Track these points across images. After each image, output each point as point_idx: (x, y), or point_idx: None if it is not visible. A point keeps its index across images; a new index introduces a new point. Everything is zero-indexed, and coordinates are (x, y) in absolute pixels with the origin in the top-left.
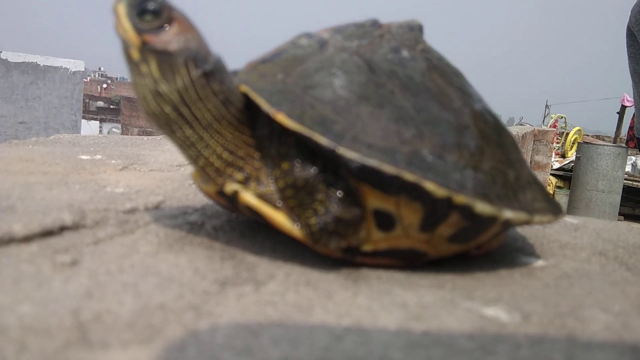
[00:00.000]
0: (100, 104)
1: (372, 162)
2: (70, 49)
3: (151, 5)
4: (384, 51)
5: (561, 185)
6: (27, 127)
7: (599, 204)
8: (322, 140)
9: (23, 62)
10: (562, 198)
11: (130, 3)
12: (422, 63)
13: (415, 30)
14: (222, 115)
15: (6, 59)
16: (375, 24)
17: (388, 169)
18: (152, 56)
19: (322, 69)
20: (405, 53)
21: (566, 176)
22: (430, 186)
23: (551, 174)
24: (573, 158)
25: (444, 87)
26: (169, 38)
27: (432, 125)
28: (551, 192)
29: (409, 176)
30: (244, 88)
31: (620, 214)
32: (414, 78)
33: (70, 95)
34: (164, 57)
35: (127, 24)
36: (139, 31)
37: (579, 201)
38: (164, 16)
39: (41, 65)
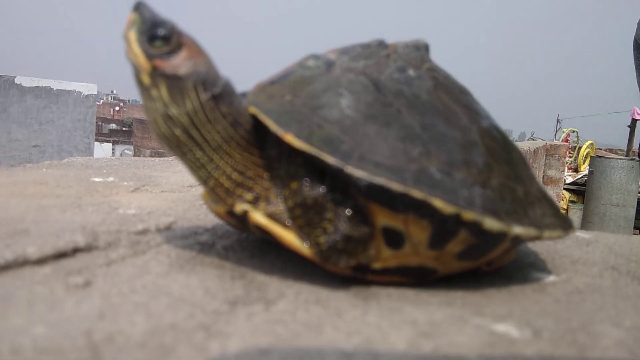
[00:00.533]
0: (113, 126)
1: (380, 180)
2: (83, 73)
3: (161, 32)
4: (390, 71)
5: (575, 199)
6: (40, 151)
7: (613, 218)
8: (330, 159)
9: (37, 86)
10: (576, 212)
11: (140, 30)
12: (428, 82)
13: (421, 49)
14: (231, 137)
15: (20, 84)
16: (381, 44)
17: (396, 186)
18: (162, 80)
19: (330, 90)
20: (411, 72)
21: (580, 190)
22: (438, 203)
23: (564, 189)
24: (586, 172)
25: (451, 105)
26: (179, 63)
27: (440, 143)
28: (565, 206)
29: (417, 193)
30: (253, 109)
31: (635, 227)
32: (420, 97)
33: (83, 118)
34: (174, 82)
35: (137, 50)
36: (149, 56)
37: (593, 215)
38: (174, 41)
39: (54, 89)
